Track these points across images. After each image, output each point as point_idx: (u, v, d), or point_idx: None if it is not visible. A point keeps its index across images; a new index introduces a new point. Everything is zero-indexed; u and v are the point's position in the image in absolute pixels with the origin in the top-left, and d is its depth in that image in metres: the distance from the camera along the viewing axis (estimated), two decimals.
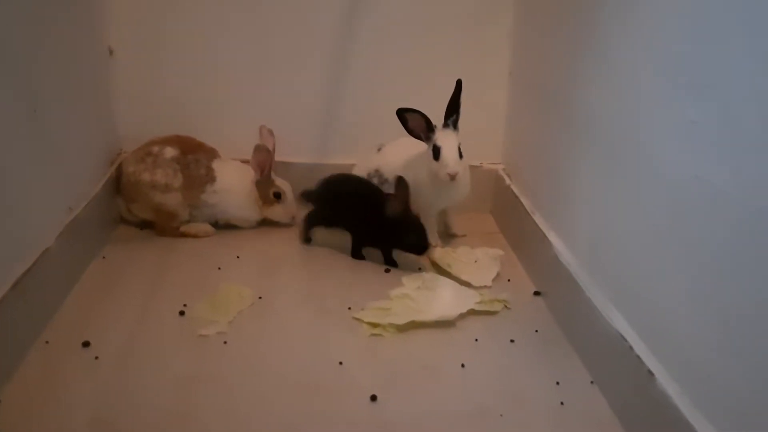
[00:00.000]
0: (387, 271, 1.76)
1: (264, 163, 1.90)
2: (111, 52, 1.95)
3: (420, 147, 1.78)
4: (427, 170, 1.76)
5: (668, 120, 1.11)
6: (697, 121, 1.03)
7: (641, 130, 1.21)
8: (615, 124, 1.33)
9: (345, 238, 1.85)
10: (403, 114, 1.71)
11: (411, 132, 1.73)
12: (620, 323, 1.26)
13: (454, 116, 1.73)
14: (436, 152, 1.71)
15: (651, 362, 1.14)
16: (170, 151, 1.86)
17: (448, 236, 1.98)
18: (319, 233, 1.90)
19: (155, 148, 1.86)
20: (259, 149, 1.89)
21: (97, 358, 1.35)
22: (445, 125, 1.73)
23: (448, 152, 1.70)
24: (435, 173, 1.74)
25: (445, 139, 1.71)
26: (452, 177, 1.70)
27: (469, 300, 1.58)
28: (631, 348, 1.19)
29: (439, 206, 1.89)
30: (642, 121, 1.21)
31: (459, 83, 1.71)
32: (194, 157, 1.88)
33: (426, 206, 1.87)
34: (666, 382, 1.09)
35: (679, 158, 1.08)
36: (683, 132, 1.06)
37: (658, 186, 1.15)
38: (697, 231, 1.03)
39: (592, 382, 1.33)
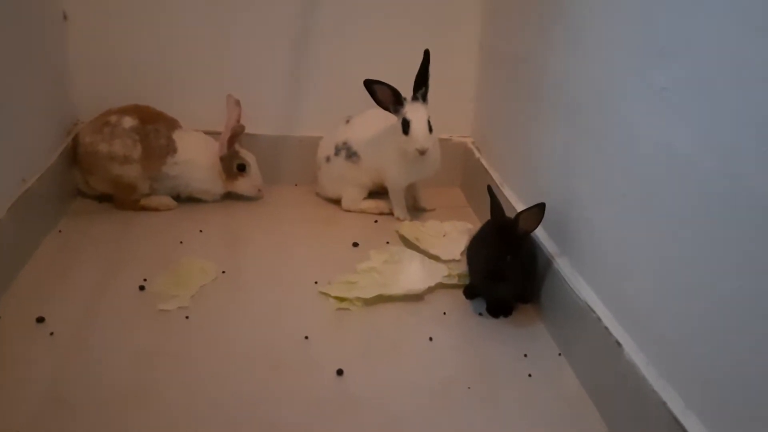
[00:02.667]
0: (355, 245, 1.74)
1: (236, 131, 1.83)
2: (65, 17, 1.86)
3: (389, 119, 1.74)
4: (396, 144, 1.73)
5: (638, 87, 1.10)
6: (667, 87, 1.01)
7: (611, 98, 1.20)
8: (584, 93, 1.31)
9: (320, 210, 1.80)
10: (371, 85, 1.68)
11: (380, 103, 1.70)
12: (588, 294, 1.26)
13: (423, 89, 1.70)
14: (406, 126, 1.68)
15: (618, 333, 1.14)
16: (129, 121, 1.79)
17: (416, 210, 1.96)
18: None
19: (113, 118, 1.79)
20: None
21: (52, 333, 1.30)
22: (414, 98, 1.70)
23: (418, 126, 1.67)
24: (404, 147, 1.71)
25: (415, 112, 1.68)
26: (422, 152, 1.68)
27: (437, 273, 1.57)
28: (599, 319, 1.19)
29: (408, 180, 1.86)
30: (612, 89, 1.20)
31: (427, 54, 1.68)
32: (154, 127, 1.81)
33: (394, 180, 1.85)
34: (633, 352, 1.09)
35: (649, 126, 1.07)
36: (654, 99, 1.05)
37: (629, 155, 1.14)
38: (666, 200, 1.03)
39: (559, 354, 1.33)
